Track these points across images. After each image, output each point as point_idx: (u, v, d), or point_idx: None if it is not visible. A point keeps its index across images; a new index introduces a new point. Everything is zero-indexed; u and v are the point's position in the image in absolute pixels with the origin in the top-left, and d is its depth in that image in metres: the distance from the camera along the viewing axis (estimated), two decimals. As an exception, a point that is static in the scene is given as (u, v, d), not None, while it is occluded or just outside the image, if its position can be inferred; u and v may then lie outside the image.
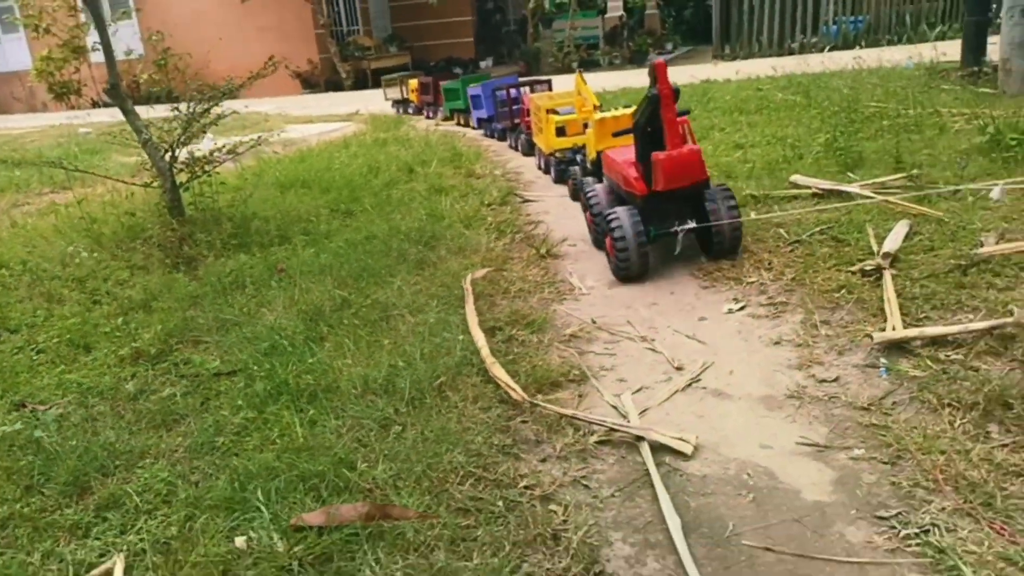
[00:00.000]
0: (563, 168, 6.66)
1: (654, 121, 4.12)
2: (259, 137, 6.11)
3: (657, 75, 3.94)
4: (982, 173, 5.16)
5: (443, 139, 9.66)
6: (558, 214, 5.97)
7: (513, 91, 9.03)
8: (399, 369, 3.22)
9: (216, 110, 5.73)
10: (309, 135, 11.70)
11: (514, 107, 8.92)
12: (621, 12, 23.34)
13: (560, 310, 4.13)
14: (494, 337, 3.64)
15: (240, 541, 2.23)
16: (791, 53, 16.18)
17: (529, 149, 8.22)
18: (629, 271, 4.33)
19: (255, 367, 3.37)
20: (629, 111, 5.06)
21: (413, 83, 13.49)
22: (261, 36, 21.50)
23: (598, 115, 5.35)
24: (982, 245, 3.87)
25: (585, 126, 6.02)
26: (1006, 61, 8.10)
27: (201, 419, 3.05)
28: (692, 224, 4.26)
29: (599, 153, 5.20)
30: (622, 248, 4.23)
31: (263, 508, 2.36)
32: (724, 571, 2.20)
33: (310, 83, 23.02)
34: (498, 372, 3.16)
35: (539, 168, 7.65)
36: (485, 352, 3.32)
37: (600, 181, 5.27)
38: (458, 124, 11.76)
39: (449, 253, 4.94)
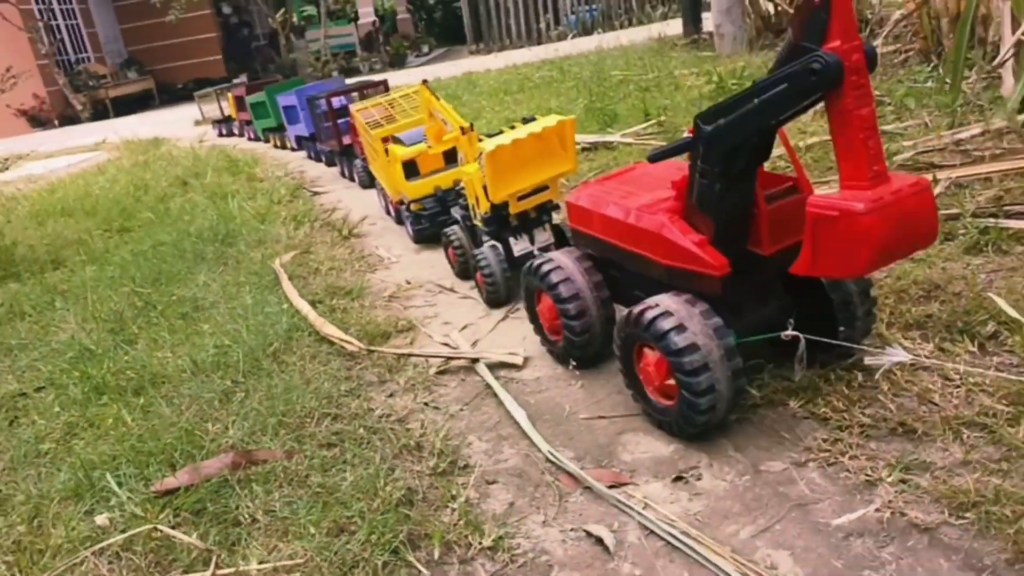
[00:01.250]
0: (425, 227, 4.46)
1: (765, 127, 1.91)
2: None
3: (832, 13, 1.65)
4: (714, 113, 6.01)
5: (213, 152, 9.30)
6: (350, 201, 6.06)
7: (337, 100, 6.55)
8: (227, 347, 3.20)
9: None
10: (55, 168, 10.70)
11: (340, 121, 6.49)
12: (373, 18, 23.53)
13: (374, 279, 4.26)
14: (316, 309, 3.70)
15: (101, 519, 2.16)
16: (539, 44, 17.32)
17: (370, 181, 5.91)
18: (712, 420, 2.26)
19: (64, 377, 3.17)
20: (537, 127, 3.18)
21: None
22: (-29, 73, 19.08)
23: (490, 143, 3.12)
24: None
25: (450, 159, 4.31)
26: (719, 27, 9.37)
27: (15, 435, 2.83)
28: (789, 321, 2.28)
29: (505, 204, 3.38)
30: (705, 388, 2.12)
31: (116, 488, 2.29)
32: (569, 441, 2.50)
33: (40, 120, 20.85)
34: (331, 330, 3.24)
35: (387, 214, 5.35)
36: (313, 316, 3.39)
37: (499, 240, 3.49)
38: (275, 146, 9.49)
39: (249, 247, 4.87)
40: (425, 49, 24.54)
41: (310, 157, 8.27)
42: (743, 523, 2.08)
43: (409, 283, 4.14)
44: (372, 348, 3.12)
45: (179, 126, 14.20)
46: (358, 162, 6.31)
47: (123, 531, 2.11)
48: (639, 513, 2.14)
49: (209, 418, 2.69)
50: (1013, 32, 4.28)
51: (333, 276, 4.27)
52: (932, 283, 2.79)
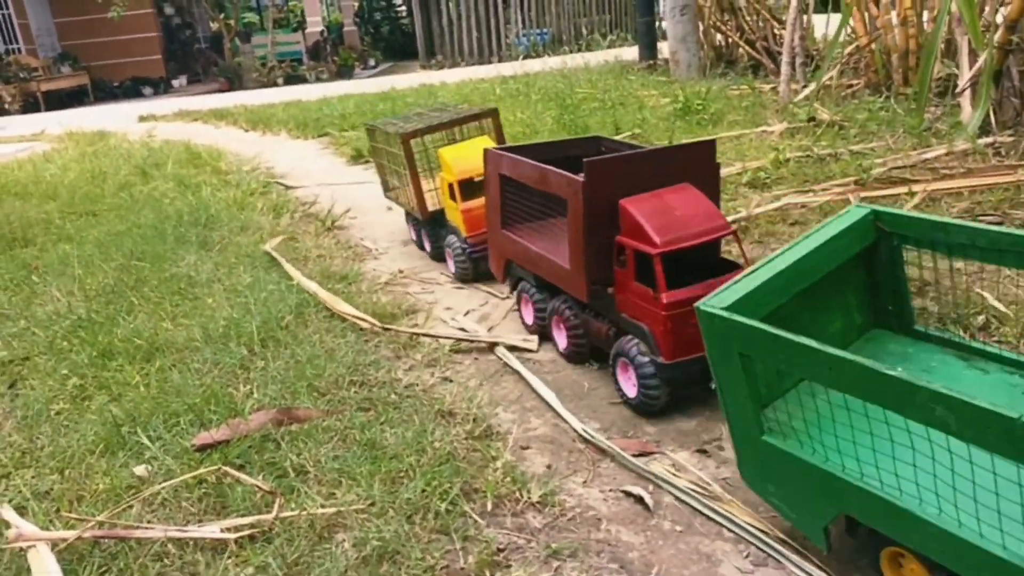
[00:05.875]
0: None
1: None
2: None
3: None
4: (685, 129, 6.28)
5: (168, 145, 9.06)
6: (329, 196, 6.03)
7: None
8: (236, 320, 3.17)
9: None
10: (-7, 155, 10.20)
11: None
12: (322, 28, 23.40)
13: (365, 267, 4.27)
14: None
15: (140, 469, 2.12)
16: (491, 62, 17.56)
17: None
18: None
19: (65, 343, 3.08)
20: None
21: (448, 157, 3.71)
22: None
23: None
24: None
25: None
26: (674, 53, 9.77)
27: (19, 397, 2.74)
28: None
29: None
30: None
31: (148, 443, 2.26)
32: (593, 414, 2.59)
33: (-35, 109, 19.85)
34: (344, 307, 3.26)
35: None
36: (323, 295, 3.39)
37: None
38: None
39: (232, 233, 4.80)
40: (372, 62, 24.49)
41: None
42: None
43: (402, 272, 4.17)
44: (388, 327, 3.15)
45: (121, 121, 13.75)
46: None
47: (164, 480, 2.08)
48: (671, 478, 2.24)
49: (232, 382, 2.67)
50: (970, 66, 4.67)
51: (324, 263, 4.26)
52: (923, 280, 3.01)
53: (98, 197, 6.14)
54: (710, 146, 2.71)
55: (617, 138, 6.25)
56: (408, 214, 4.53)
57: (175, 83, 24.27)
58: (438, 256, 4.17)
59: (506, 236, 3.14)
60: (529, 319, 3.20)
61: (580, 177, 2.50)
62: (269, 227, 4.91)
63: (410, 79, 14.93)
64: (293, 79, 21.58)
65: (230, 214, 5.17)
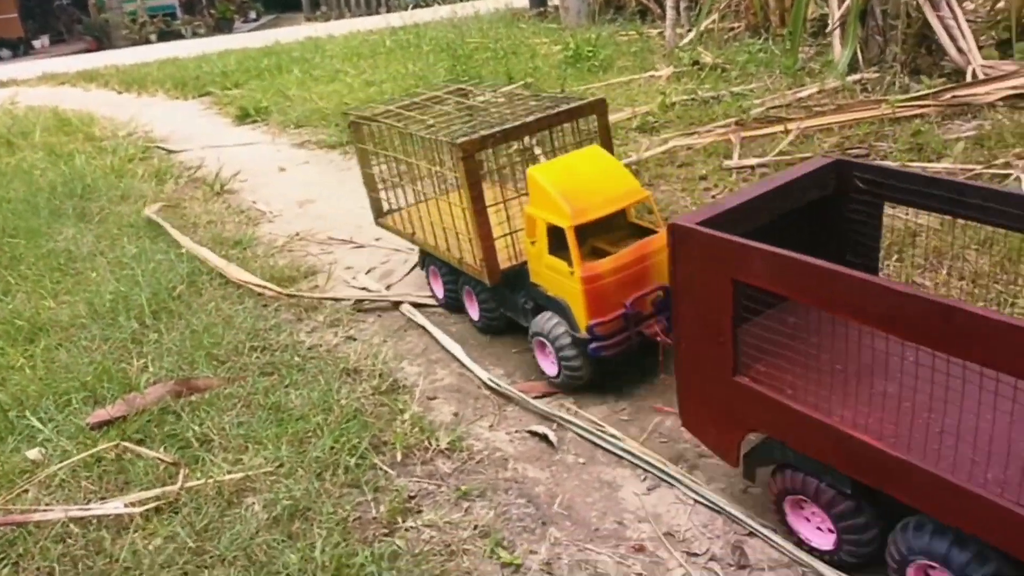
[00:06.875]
0: None
1: None
2: None
3: None
4: (577, 76, 6.35)
5: (34, 112, 8.44)
6: (216, 159, 5.79)
7: None
8: (124, 293, 3.05)
9: None
10: None
11: None
12: (195, -21, 22.02)
13: (259, 231, 4.17)
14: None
15: (33, 453, 2.05)
16: (378, 13, 17.07)
17: None
18: None
19: (-66, 329, 2.89)
20: None
21: (547, 182, 2.18)
22: None
23: None
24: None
25: None
26: (564, 0, 9.77)
27: None
28: None
29: None
30: None
31: (41, 425, 2.18)
32: (496, 361, 2.66)
33: None
34: (241, 274, 3.18)
35: None
36: (217, 261, 3.30)
37: None
38: None
39: (111, 203, 4.57)
40: (253, 15, 23.33)
41: None
42: (667, 415, 2.34)
43: (299, 235, 4.09)
44: (290, 292, 3.10)
45: (-23, 88, 12.67)
46: None
47: (61, 462, 2.02)
48: (572, 417, 2.34)
49: (125, 357, 2.59)
50: (839, 7, 4.90)
51: (215, 228, 4.12)
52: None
53: (-42, 172, 5.69)
54: None
55: (506, 89, 6.25)
56: (427, 255, 2.90)
57: (36, 44, 22.47)
58: (491, 328, 2.73)
59: (754, 392, 1.65)
60: (827, 545, 1.65)
61: None
62: (152, 194, 4.70)
63: (295, 32, 14.37)
64: (167, 35, 20.38)
65: (108, 183, 4.91)
